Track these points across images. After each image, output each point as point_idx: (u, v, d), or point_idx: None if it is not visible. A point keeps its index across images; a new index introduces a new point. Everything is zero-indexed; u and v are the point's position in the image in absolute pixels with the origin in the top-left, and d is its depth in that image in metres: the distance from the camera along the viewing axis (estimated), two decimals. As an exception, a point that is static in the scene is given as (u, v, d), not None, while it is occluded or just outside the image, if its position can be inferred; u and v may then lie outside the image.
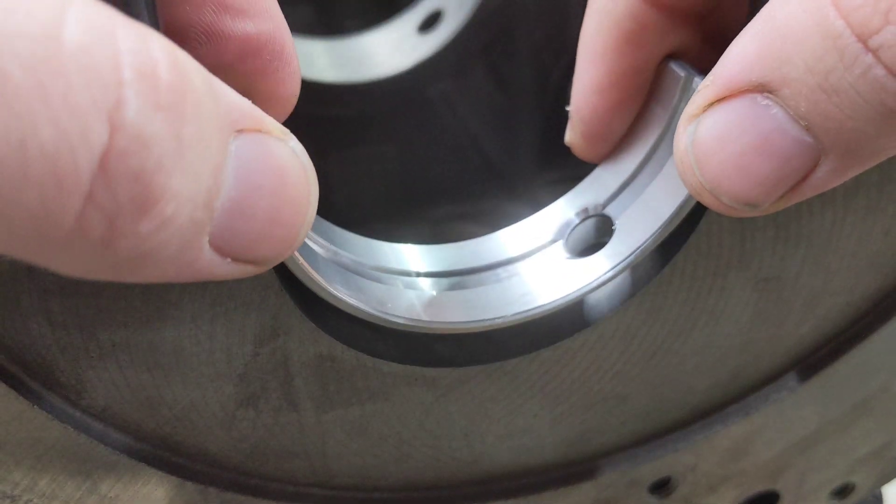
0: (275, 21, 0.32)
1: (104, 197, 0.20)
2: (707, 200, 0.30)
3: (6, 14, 0.19)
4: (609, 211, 0.39)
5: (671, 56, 0.36)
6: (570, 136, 0.40)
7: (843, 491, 0.56)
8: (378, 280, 0.37)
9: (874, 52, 0.25)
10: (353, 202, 0.82)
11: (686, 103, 0.36)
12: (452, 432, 0.43)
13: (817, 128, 0.27)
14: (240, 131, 0.24)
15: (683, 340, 0.43)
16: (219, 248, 0.24)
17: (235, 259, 0.25)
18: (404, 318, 0.36)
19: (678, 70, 0.35)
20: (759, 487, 0.53)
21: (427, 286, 0.38)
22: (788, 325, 0.44)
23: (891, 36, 0.24)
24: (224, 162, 0.24)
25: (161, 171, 0.21)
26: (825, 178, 0.28)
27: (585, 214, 0.39)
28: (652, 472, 0.49)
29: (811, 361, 0.47)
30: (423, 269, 0.39)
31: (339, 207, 0.82)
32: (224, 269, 0.24)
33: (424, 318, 0.37)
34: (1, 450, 0.35)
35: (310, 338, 0.36)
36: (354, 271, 0.37)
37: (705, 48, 0.38)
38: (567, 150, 0.88)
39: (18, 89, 0.19)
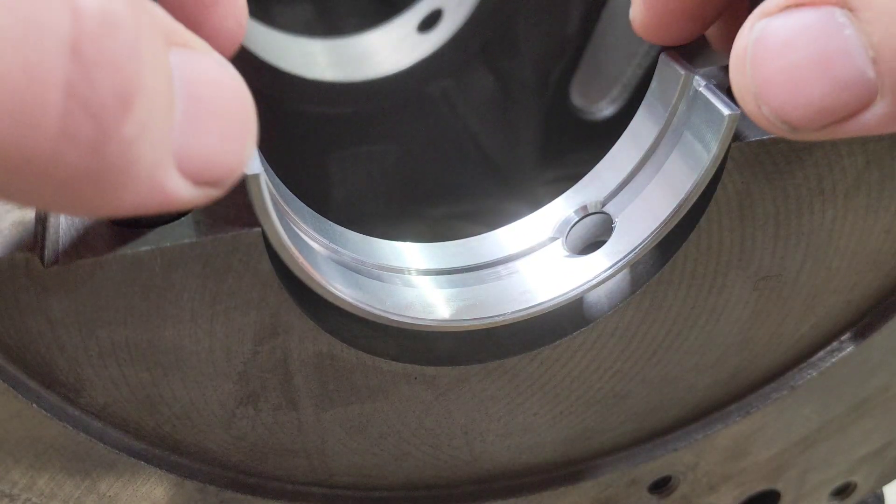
0: None
1: (84, 88, 0.20)
2: (749, 106, 0.28)
3: None
4: (608, 209, 0.39)
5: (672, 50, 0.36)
6: (633, 6, 0.36)
7: (844, 490, 0.56)
8: (377, 278, 0.37)
9: None
10: (353, 201, 0.82)
11: (685, 102, 0.36)
12: (452, 431, 0.43)
13: (883, 64, 0.26)
14: (172, 43, 0.23)
15: (683, 339, 0.43)
16: (181, 169, 0.23)
17: (196, 181, 0.24)
18: (403, 316, 0.36)
19: (678, 67, 0.35)
20: (759, 487, 0.53)
21: (426, 284, 0.38)
22: (788, 323, 0.44)
23: None
24: (170, 72, 0.23)
25: (133, 59, 0.21)
26: (873, 122, 0.27)
27: (585, 212, 0.39)
28: (652, 472, 0.49)
29: (812, 360, 0.47)
30: (422, 267, 0.39)
31: (338, 206, 0.82)
32: (188, 193, 0.24)
33: (424, 316, 0.37)
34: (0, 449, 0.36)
35: (309, 336, 0.36)
36: (354, 269, 0.37)
37: None
38: (566, 150, 0.88)
39: None
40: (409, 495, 0.45)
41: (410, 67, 0.76)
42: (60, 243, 0.31)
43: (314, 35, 0.81)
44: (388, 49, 0.79)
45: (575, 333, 0.41)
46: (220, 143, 0.24)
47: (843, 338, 0.46)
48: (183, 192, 0.24)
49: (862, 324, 0.46)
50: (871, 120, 0.27)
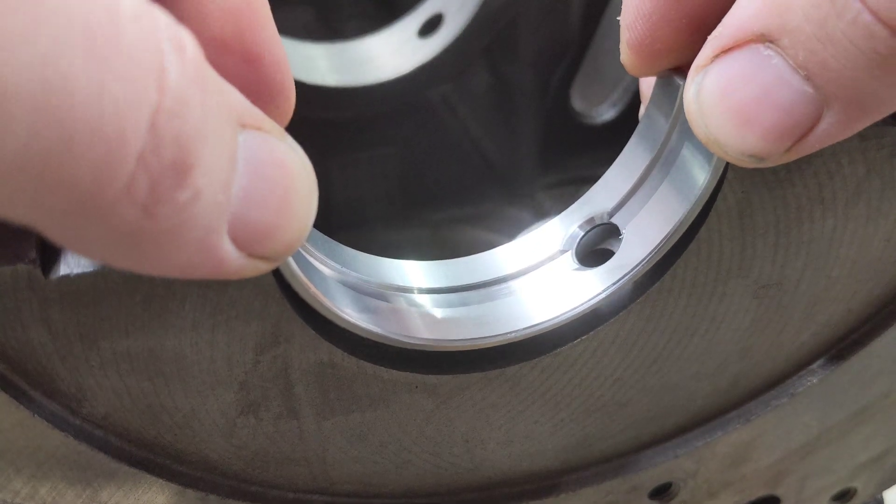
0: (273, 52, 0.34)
1: (151, 158, 0.22)
2: (716, 151, 0.30)
3: None
4: (616, 220, 0.39)
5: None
6: (622, 49, 0.37)
7: (844, 496, 0.56)
8: (383, 298, 0.37)
9: None
10: (354, 205, 0.82)
11: (684, 112, 0.36)
12: (453, 439, 0.43)
13: (817, 77, 0.27)
14: (243, 125, 0.25)
15: (684, 347, 0.43)
16: (235, 240, 0.25)
17: (250, 254, 0.25)
18: (412, 337, 0.36)
19: (678, 79, 0.35)
20: (759, 493, 0.53)
21: (434, 302, 0.38)
22: (789, 331, 0.44)
23: None
24: (236, 150, 0.25)
25: (196, 137, 0.23)
26: (831, 130, 0.28)
27: (592, 224, 0.39)
28: (652, 478, 0.49)
29: (812, 368, 0.47)
30: (429, 286, 0.39)
31: (339, 210, 0.82)
32: (239, 263, 0.25)
33: (431, 336, 0.37)
34: (1, 458, 0.36)
35: (310, 345, 0.36)
36: (358, 289, 0.37)
37: None
38: (567, 154, 0.88)
39: (100, 43, 0.20)
40: (410, 503, 0.46)
41: (411, 72, 0.76)
42: (62, 255, 0.31)
43: (315, 39, 0.81)
44: (389, 54, 0.79)
45: (575, 342, 0.41)
46: (276, 219, 0.26)
47: (843, 345, 0.46)
48: (234, 260, 0.25)
49: (862, 331, 0.46)
50: (828, 129, 0.28)
